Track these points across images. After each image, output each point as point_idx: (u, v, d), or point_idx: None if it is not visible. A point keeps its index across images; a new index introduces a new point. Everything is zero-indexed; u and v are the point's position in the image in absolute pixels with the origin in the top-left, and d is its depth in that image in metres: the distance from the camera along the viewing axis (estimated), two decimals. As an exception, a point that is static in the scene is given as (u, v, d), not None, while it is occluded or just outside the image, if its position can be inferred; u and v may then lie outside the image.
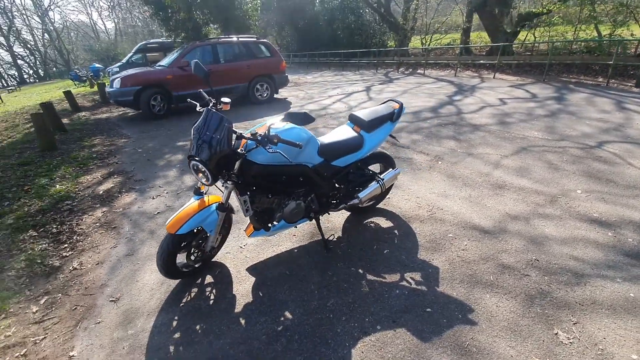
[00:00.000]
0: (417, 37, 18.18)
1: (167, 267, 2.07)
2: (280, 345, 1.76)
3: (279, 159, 2.07)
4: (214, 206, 2.12)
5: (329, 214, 2.64)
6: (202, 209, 2.09)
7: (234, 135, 1.93)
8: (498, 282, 2.07)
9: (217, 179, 1.95)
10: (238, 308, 2.04)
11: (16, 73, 34.82)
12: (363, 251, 2.48)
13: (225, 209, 2.12)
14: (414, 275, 2.19)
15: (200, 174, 1.94)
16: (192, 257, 2.22)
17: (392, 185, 2.98)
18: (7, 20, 33.05)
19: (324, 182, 2.39)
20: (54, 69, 39.19)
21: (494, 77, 10.76)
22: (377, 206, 3.07)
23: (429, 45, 16.12)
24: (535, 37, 12.96)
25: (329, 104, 8.19)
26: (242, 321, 1.94)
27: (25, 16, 35.80)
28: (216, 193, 2.23)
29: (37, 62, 37.53)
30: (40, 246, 2.81)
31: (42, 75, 37.13)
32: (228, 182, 2.04)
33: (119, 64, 15.28)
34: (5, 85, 29.03)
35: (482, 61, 12.18)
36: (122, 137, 6.31)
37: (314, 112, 7.37)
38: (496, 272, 2.16)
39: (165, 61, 8.18)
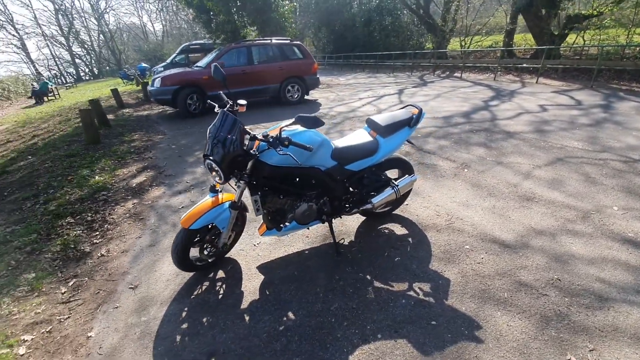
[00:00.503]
0: (456, 39, 17.57)
1: (181, 260, 2.18)
2: (279, 345, 1.79)
3: (290, 160, 2.10)
4: (227, 204, 2.20)
5: (340, 217, 2.63)
6: (216, 206, 2.17)
7: (247, 137, 1.99)
8: (512, 300, 1.96)
9: (229, 178, 2.02)
10: (244, 304, 2.09)
11: (74, 71, 37.97)
12: (373, 257, 2.45)
13: (237, 207, 2.18)
14: (423, 285, 2.13)
15: (214, 173, 2.01)
16: (205, 252, 2.30)
17: (409, 191, 2.91)
18: (68, 22, 36.08)
19: (337, 186, 2.39)
20: (107, 67, 42.17)
21: (536, 82, 10.16)
22: (394, 212, 3.02)
23: (468, 48, 15.52)
24: (584, 41, 12.05)
25: (358, 106, 8.15)
26: (247, 318, 1.99)
27: (83, 18, 38.94)
28: (231, 191, 2.31)
29: (93, 61, 40.62)
30: (75, 232, 3.05)
31: (97, 73, 40.12)
32: (241, 181, 2.10)
33: (163, 63, 16.14)
34: (64, 82, 31.74)
35: (524, 65, 11.53)
36: (158, 134, 6.68)
37: (343, 113, 7.38)
38: (512, 289, 2.05)
39: (202, 62, 8.55)
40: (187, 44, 17.19)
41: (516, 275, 2.16)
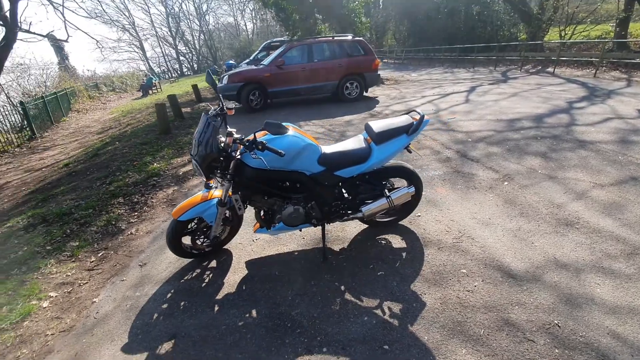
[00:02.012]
0: (555, 29, 15.21)
1: (173, 246, 2.41)
2: (231, 339, 1.88)
3: (271, 163, 2.15)
4: (215, 200, 2.35)
5: (331, 223, 2.57)
6: (205, 201, 2.34)
7: (222, 139, 2.11)
8: (487, 340, 1.72)
9: (209, 177, 2.17)
10: (219, 296, 2.23)
11: (178, 67, 43.46)
12: (357, 268, 2.36)
13: (224, 204, 2.32)
14: (394, 305, 1.99)
15: (198, 171, 2.18)
16: (198, 242, 2.51)
17: (411, 202, 2.70)
18: (175, 24, 41.33)
19: (325, 191, 2.36)
20: (206, 64, 47.17)
21: (652, 79, 8.29)
22: (400, 222, 2.85)
23: (569, 39, 13.31)
24: None
25: (416, 105, 7.73)
26: (216, 308, 2.12)
27: (188, 20, 44.14)
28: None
29: (194, 58, 45.87)
30: (119, 211, 3.59)
31: (196, 69, 45.20)
32: (225, 181, 2.22)
33: (247, 60, 17.45)
34: (169, 77, 36.62)
35: (637, 60, 9.45)
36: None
37: (397, 112, 7.08)
38: (493, 326, 1.79)
39: (266, 60, 9.02)
40: (268, 41, 18.24)
41: (506, 312, 1.87)
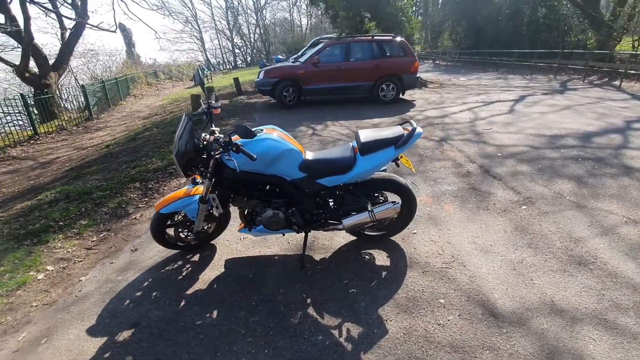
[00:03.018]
0: (628, 39, 13.49)
1: (157, 237, 2.48)
2: (184, 337, 1.89)
3: (250, 165, 2.13)
4: (198, 196, 2.38)
5: (309, 231, 2.47)
6: (187, 196, 2.38)
7: (196, 137, 2.13)
8: (441, 383, 1.55)
9: (187, 174, 2.19)
10: (190, 291, 2.26)
11: (232, 59, 45.29)
12: (331, 282, 2.26)
13: (204, 202, 2.34)
14: (354, 328, 1.88)
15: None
16: (182, 235, 2.56)
17: (401, 218, 2.54)
18: (233, 17, 43.07)
19: (305, 198, 2.29)
20: (259, 58, 48.66)
21: None
22: (392, 238, 2.69)
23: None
24: None
25: (453, 112, 7.29)
26: (182, 303, 2.15)
27: (246, 14, 45.75)
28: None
29: (248, 51, 47.49)
30: (132, 195, 3.79)
31: (249, 62, 46.78)
32: (206, 179, 2.24)
33: (295, 55, 17.70)
34: (223, 68, 38.27)
35: None
36: (249, 120, 7.47)
37: (430, 118, 6.75)
38: (453, 369, 1.61)
39: (303, 57, 9.03)
40: (317, 37, 18.32)
41: (473, 356, 1.67)
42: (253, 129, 2.24)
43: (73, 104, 11.36)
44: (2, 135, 7.62)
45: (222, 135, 2.15)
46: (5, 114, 7.91)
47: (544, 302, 1.98)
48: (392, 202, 2.35)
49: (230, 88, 12.59)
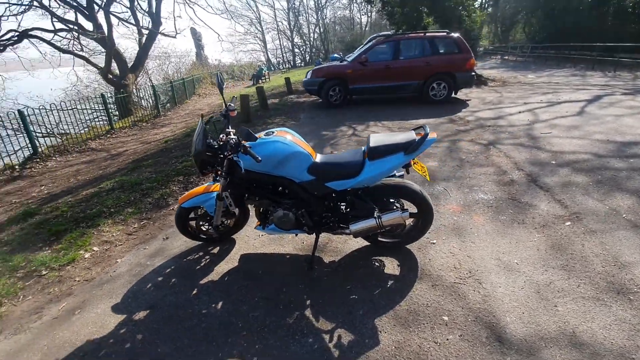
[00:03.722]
0: None
1: (181, 228, 2.69)
2: (189, 324, 2.03)
3: (259, 166, 2.21)
4: (215, 193, 2.53)
5: (319, 233, 2.47)
6: (207, 193, 2.55)
7: (209, 138, 2.26)
8: (423, 405, 1.47)
9: (203, 172, 2.35)
10: (203, 281, 2.42)
11: (292, 59, 46.54)
12: (334, 285, 2.26)
13: (221, 199, 2.48)
14: (346, 335, 1.85)
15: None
16: (203, 229, 2.75)
17: (416, 227, 2.43)
18: (294, 17, 44.21)
19: (314, 201, 2.31)
20: (317, 56, 49.43)
21: None
22: (408, 246, 2.59)
23: None
24: None
25: (510, 113, 6.70)
26: (194, 292, 2.31)
27: (307, 14, 46.62)
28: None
29: (307, 50, 48.44)
30: (175, 188, 4.14)
31: (308, 61, 47.72)
32: (221, 178, 2.37)
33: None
34: (282, 67, 39.57)
35: None
36: (294, 119, 7.66)
37: (481, 120, 6.29)
38: (440, 392, 1.51)
39: (351, 56, 8.97)
40: (374, 35, 18.06)
41: (466, 381, 1.56)
42: (265, 132, 2.34)
43: (148, 102, 12.68)
44: (87, 129, 8.81)
45: (234, 137, 2.25)
46: (91, 111, 9.14)
47: (564, 332, 1.75)
48: (402, 209, 2.26)
49: (283, 87, 12.99)
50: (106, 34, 11.41)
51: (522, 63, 19.04)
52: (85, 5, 12.34)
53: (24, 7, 12.07)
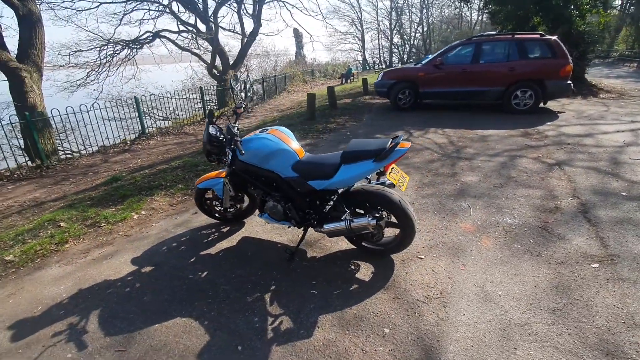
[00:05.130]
0: None
1: (199, 206, 3.14)
2: (175, 284, 2.42)
3: (250, 159, 2.48)
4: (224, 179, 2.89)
5: (301, 227, 2.59)
6: (218, 177, 2.93)
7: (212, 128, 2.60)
8: (316, 399, 1.54)
9: (210, 160, 2.72)
10: (202, 252, 2.80)
11: (389, 58, 45.79)
12: (303, 278, 2.39)
13: (226, 184, 2.83)
14: (287, 322, 1.99)
15: (207, 155, 2.78)
16: (217, 209, 3.15)
17: (401, 240, 2.38)
18: (397, 16, 43.30)
19: (297, 197, 2.47)
20: (416, 57, 47.69)
21: None
22: (392, 255, 2.56)
23: None
24: None
25: (605, 131, 5.63)
26: (192, 260, 2.71)
27: (410, 12, 45.18)
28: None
29: (405, 50, 47.06)
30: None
31: (405, 61, 46.40)
32: (226, 166, 2.71)
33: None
34: (378, 67, 39.33)
35: None
36: (356, 120, 7.74)
37: (563, 136, 5.46)
38: (338, 393, 1.56)
39: (426, 59, 8.57)
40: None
41: (369, 391, 1.56)
42: (259, 130, 2.59)
43: (240, 96, 14.23)
44: (188, 116, 10.39)
45: (238, 132, 2.56)
46: (196, 101, 10.80)
47: (505, 377, 1.59)
48: (373, 216, 2.25)
49: (359, 87, 13.08)
50: (212, 35, 13.21)
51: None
52: (202, 11, 14.44)
53: (158, 12, 14.73)
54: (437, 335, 1.84)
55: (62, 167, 6.34)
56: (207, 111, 2.98)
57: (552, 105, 7.85)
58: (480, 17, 47.39)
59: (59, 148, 7.98)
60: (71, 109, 6.53)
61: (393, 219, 2.38)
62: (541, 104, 7.25)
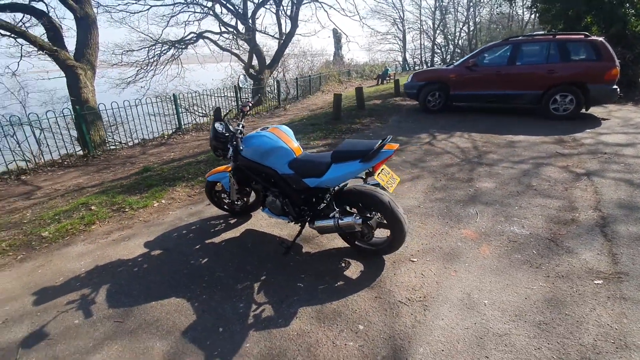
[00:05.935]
0: None
1: (209, 198, 3.34)
2: (177, 267, 2.62)
3: (250, 155, 2.62)
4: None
5: (297, 223, 2.68)
6: (225, 171, 3.10)
7: (218, 125, 2.76)
8: (279, 383, 1.63)
9: (216, 155, 2.89)
10: (207, 241, 2.99)
11: (430, 59, 44.47)
12: (292, 272, 2.49)
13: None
14: (269, 311, 2.10)
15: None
16: (225, 201, 3.34)
17: (392, 242, 2.39)
18: (441, 16, 41.90)
19: (292, 193, 2.57)
20: (458, 57, 45.90)
21: None
22: (385, 255, 2.58)
23: None
24: None
25: (649, 141, 5.14)
26: (196, 247, 2.91)
27: (455, 11, 43.52)
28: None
29: (448, 50, 45.45)
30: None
31: (447, 61, 44.84)
32: (231, 161, 2.88)
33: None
34: (418, 68, 38.38)
35: None
36: (381, 122, 7.69)
37: (601, 145, 5.08)
38: (301, 380, 1.64)
39: (459, 60, 8.28)
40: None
41: (329, 381, 1.62)
42: (261, 127, 2.72)
43: (274, 95, 14.63)
44: (223, 113, 10.90)
45: (243, 129, 2.71)
46: (231, 99, 11.32)
47: (468, 384, 1.57)
48: (360, 216, 2.29)
49: (391, 89, 12.90)
50: (250, 36, 13.71)
51: None
52: (242, 13, 15.02)
53: (202, 14, 15.54)
54: (410, 337, 1.85)
55: (105, 157, 6.95)
56: (214, 109, 3.16)
57: (596, 111, 7.28)
58: (531, 16, 44.54)
59: (108, 140, 8.75)
60: (115, 104, 7.14)
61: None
62: (583, 110, 6.75)
